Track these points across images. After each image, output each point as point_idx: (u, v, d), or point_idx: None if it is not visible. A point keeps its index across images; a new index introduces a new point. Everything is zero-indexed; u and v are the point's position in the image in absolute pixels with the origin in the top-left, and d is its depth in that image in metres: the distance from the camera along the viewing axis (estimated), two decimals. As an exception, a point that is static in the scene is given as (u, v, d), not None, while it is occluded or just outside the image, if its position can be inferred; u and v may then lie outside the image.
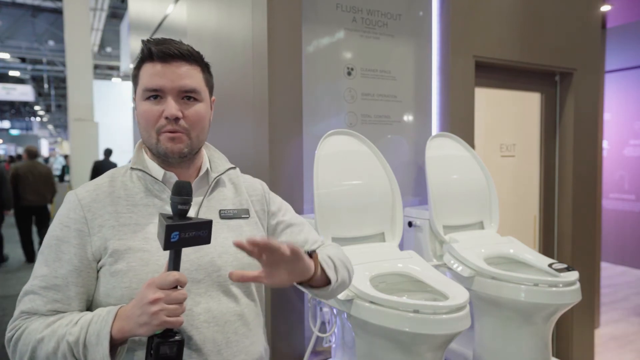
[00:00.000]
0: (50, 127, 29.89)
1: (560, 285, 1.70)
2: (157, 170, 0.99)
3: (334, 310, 1.76)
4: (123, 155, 11.44)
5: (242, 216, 1.04)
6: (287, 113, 1.85)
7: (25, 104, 22.84)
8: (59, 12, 12.97)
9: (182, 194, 0.82)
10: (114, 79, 17.63)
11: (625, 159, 5.77)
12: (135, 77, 0.99)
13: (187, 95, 0.95)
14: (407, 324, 1.37)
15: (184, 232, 0.79)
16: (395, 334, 1.41)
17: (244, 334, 0.97)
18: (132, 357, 0.89)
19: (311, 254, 0.97)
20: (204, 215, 0.99)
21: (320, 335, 1.81)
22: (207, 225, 0.82)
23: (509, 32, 2.55)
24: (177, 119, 0.93)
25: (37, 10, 13.86)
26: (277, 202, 1.17)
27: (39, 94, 20.59)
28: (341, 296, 1.49)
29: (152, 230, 0.93)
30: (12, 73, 18.60)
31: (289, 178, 1.86)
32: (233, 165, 1.11)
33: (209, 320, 0.92)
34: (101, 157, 8.67)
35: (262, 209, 1.11)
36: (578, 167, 2.89)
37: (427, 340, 1.40)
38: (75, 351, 0.83)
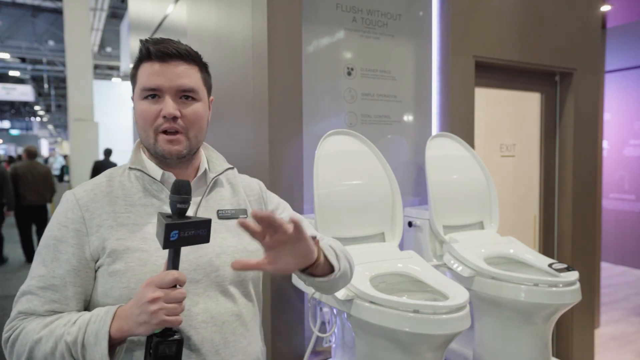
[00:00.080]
0: (50, 127, 29.90)
1: (560, 285, 1.70)
2: (156, 170, 0.98)
3: (334, 310, 1.76)
4: (123, 155, 11.42)
5: (240, 216, 1.04)
6: (287, 113, 1.85)
7: (25, 104, 22.85)
8: (59, 12, 12.98)
9: (181, 192, 0.82)
10: (114, 79, 17.63)
11: (625, 159, 5.77)
12: (133, 77, 0.99)
13: (185, 95, 0.95)
14: (407, 324, 1.37)
15: (183, 231, 0.79)
16: (395, 334, 1.41)
17: (242, 334, 0.97)
18: (131, 358, 0.88)
19: (313, 239, 0.96)
20: (202, 215, 0.99)
21: (320, 335, 1.81)
22: (206, 224, 0.82)
23: (509, 32, 2.55)
24: (175, 118, 0.93)
25: (37, 10, 13.86)
26: (275, 201, 1.17)
27: (39, 94, 20.59)
28: (341, 296, 1.49)
29: (151, 230, 0.93)
30: (12, 73, 18.60)
31: (289, 178, 1.86)
32: (231, 166, 1.10)
33: (207, 321, 0.92)
34: (101, 157, 8.68)
35: (259, 209, 1.10)
36: (578, 167, 2.89)
37: (427, 340, 1.40)
38: (73, 351, 0.82)
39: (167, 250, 0.82)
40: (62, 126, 28.10)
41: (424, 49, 2.37)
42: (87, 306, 0.94)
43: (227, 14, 2.19)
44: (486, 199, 2.19)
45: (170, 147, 0.94)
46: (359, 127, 2.17)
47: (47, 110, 24.37)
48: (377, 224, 1.90)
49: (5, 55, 15.80)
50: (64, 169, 12.21)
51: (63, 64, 14.66)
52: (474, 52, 2.40)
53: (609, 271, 5.42)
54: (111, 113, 13.13)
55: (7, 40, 15.20)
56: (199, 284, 0.93)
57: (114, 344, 0.83)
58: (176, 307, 0.79)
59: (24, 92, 17.67)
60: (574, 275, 1.75)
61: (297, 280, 1.80)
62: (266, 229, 0.81)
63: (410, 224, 2.15)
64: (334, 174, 1.84)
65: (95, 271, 0.92)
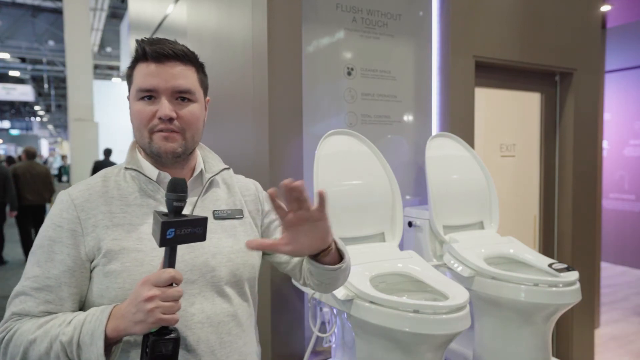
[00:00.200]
0: (50, 127, 29.89)
1: (560, 285, 1.70)
2: (151, 170, 0.98)
3: (334, 310, 1.76)
4: (123, 155, 11.29)
5: (236, 216, 1.04)
6: (287, 113, 1.85)
7: (25, 104, 22.85)
8: (59, 12, 12.98)
9: (177, 190, 0.81)
10: (114, 79, 17.64)
11: (625, 159, 5.77)
12: (129, 77, 0.98)
13: (181, 96, 0.95)
14: (407, 324, 1.37)
15: (179, 229, 0.78)
16: (395, 334, 1.41)
17: (238, 335, 0.97)
18: (127, 358, 0.88)
19: None
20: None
21: (320, 335, 1.81)
22: (202, 222, 0.81)
23: (509, 32, 2.55)
24: (170, 120, 0.93)
25: (37, 10, 13.87)
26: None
27: (39, 94, 20.60)
28: (341, 296, 1.49)
29: (146, 231, 0.92)
30: (12, 73, 18.61)
31: (289, 178, 1.86)
32: (227, 166, 1.10)
33: (203, 321, 0.92)
34: (101, 157, 8.68)
35: (255, 209, 1.10)
36: (578, 167, 2.88)
37: (427, 340, 1.40)
38: (68, 351, 0.81)
39: (163, 250, 0.82)
40: (62, 126, 28.10)
41: (424, 49, 2.37)
42: (82, 307, 0.93)
43: (227, 14, 2.19)
44: (486, 199, 2.19)
45: (166, 143, 0.93)
46: (359, 127, 2.17)
47: (47, 110, 24.38)
48: (377, 224, 1.90)
49: (5, 55, 15.81)
50: (62, 170, 12.21)
51: (63, 64, 14.67)
52: (474, 52, 2.40)
53: (609, 271, 5.42)
54: (111, 113, 13.12)
55: (7, 40, 15.21)
56: (194, 284, 0.93)
57: (109, 344, 0.82)
58: (173, 305, 0.79)
59: (24, 92, 17.67)
60: (574, 275, 1.74)
61: (297, 280, 1.80)
62: (292, 203, 0.82)
63: (410, 224, 2.15)
64: (334, 174, 1.84)
65: (91, 271, 0.91)
